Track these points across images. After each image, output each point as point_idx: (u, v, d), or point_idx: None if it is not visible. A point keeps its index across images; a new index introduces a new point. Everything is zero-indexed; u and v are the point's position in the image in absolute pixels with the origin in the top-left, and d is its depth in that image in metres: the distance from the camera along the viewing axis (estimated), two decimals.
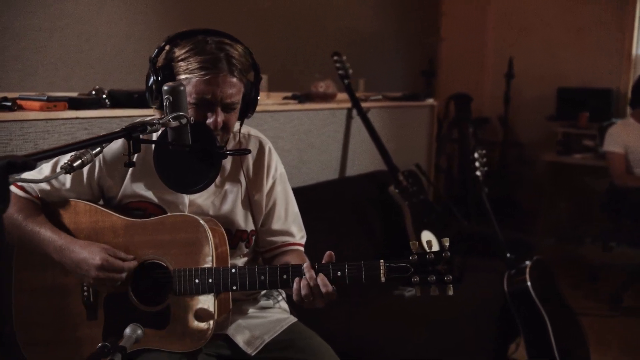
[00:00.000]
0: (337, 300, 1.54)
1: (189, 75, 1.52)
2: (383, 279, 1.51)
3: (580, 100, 5.06)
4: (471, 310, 2.66)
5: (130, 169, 1.66)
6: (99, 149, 1.26)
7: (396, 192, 3.15)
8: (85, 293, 1.64)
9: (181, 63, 1.53)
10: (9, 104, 1.96)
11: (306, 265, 1.53)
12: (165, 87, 1.42)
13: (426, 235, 3.09)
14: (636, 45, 5.07)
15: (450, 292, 1.52)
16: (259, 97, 1.66)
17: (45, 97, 2.00)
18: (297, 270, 1.54)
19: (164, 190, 1.65)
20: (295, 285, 1.53)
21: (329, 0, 4.12)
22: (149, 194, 1.67)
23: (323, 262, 1.54)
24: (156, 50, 1.57)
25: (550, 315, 2.71)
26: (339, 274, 1.52)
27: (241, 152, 1.63)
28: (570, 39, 5.29)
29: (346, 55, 3.39)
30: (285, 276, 1.55)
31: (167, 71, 1.54)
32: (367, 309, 2.49)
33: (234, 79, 1.55)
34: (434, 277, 1.51)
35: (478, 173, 2.95)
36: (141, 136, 1.33)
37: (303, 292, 1.51)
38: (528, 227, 5.17)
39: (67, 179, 1.65)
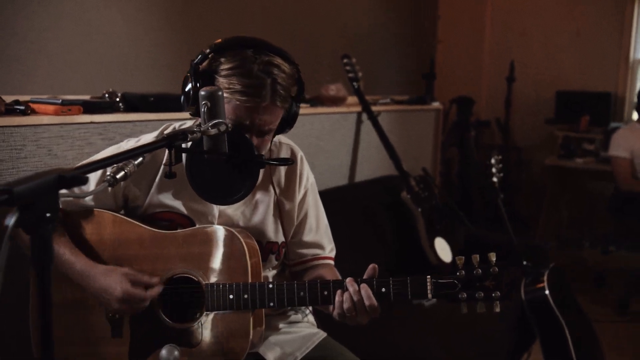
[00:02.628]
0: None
1: (229, 96, 1.42)
2: (430, 295, 1.44)
3: (579, 104, 5.05)
4: (486, 318, 2.60)
5: (157, 178, 1.58)
6: (140, 159, 1.19)
7: (408, 198, 3.09)
8: None
9: (223, 79, 1.43)
10: (22, 107, 1.86)
11: (349, 279, 1.46)
12: (202, 92, 1.33)
13: (439, 243, 3.04)
14: (634, 49, 5.07)
15: (497, 309, 1.47)
16: (298, 113, 1.56)
17: (60, 101, 1.90)
18: (339, 286, 1.46)
19: (192, 200, 1.57)
20: (337, 297, 1.45)
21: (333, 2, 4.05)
22: (177, 204, 1.58)
23: (365, 276, 1.47)
24: (199, 56, 1.47)
25: (569, 324, 2.66)
26: (383, 290, 1.44)
27: (283, 162, 1.55)
28: (568, 42, 5.28)
29: (354, 58, 3.32)
30: (326, 292, 1.47)
31: (207, 81, 1.43)
32: (389, 319, 2.42)
33: (275, 107, 1.46)
34: (482, 294, 1.45)
35: (494, 179, 2.89)
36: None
37: (345, 305, 1.44)
38: (527, 231, 5.15)
39: (90, 189, 1.56)
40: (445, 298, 1.46)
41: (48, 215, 0.87)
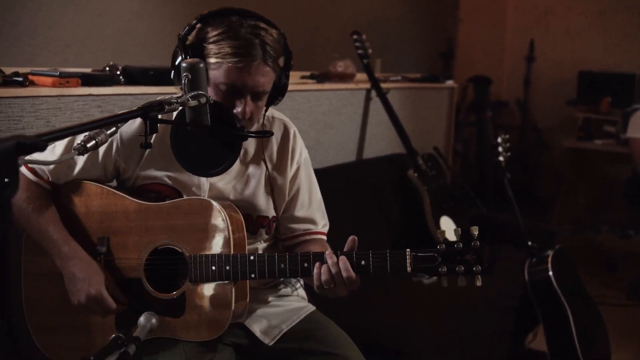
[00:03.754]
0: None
1: (220, 60, 1.44)
2: (409, 269, 1.44)
3: (602, 85, 4.92)
4: (490, 298, 2.60)
5: (148, 150, 1.59)
6: (113, 129, 1.19)
7: (415, 177, 3.07)
8: None
9: (212, 46, 1.44)
10: (21, 79, 1.89)
11: (328, 252, 1.46)
12: (183, 64, 1.34)
13: (445, 221, 3.02)
14: None
15: (479, 283, 1.45)
16: (288, 83, 1.58)
17: (58, 73, 1.93)
18: (319, 258, 1.47)
19: (180, 172, 1.58)
20: (315, 269, 1.46)
21: None
22: (165, 176, 1.60)
23: (346, 249, 1.47)
24: (186, 28, 1.49)
25: (572, 306, 2.64)
26: (362, 262, 1.45)
27: (262, 134, 1.55)
28: (591, 22, 5.15)
29: (364, 34, 3.29)
30: (306, 264, 1.48)
31: (197, 51, 1.45)
32: (385, 296, 2.43)
33: (267, 67, 1.47)
34: (462, 268, 1.44)
35: (501, 159, 2.86)
36: (159, 116, 1.26)
37: (323, 277, 1.45)
38: (545, 214, 5.08)
39: (81, 159, 1.58)
40: (425, 272, 1.45)
41: (6, 180, 0.88)
